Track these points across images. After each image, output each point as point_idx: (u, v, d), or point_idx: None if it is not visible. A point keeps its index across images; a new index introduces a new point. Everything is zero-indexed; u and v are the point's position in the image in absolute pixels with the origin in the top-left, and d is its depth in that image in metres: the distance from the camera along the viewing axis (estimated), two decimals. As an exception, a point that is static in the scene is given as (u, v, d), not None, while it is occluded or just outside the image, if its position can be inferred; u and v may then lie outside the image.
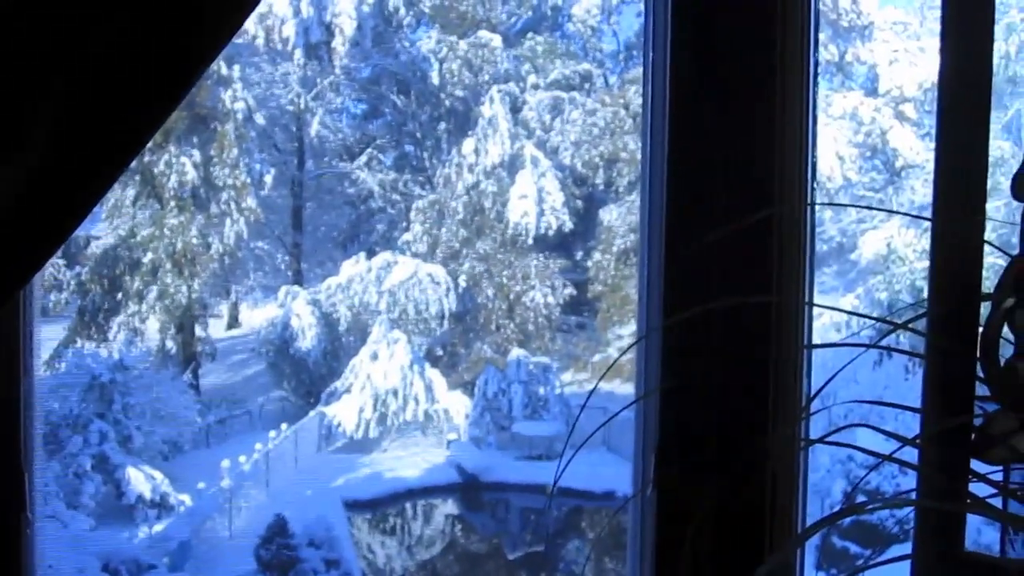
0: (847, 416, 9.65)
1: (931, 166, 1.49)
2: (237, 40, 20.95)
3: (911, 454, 1.44)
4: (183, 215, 19.40)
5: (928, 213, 1.45)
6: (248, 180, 20.66)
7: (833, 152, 20.56)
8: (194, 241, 19.48)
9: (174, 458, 16.61)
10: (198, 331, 20.66)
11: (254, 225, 20.95)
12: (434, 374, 18.95)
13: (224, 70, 19.87)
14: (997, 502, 1.41)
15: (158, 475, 15.07)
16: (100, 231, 19.56)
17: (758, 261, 1.57)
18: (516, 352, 19.33)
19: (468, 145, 21.54)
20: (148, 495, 14.72)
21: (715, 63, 1.60)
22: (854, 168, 21.21)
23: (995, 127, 16.09)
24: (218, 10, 1.02)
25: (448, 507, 17.35)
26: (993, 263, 1.54)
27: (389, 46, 23.35)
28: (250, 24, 21.34)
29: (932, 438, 1.41)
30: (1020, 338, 1.37)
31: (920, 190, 20.29)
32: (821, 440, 1.49)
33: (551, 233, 21.34)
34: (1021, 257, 1.39)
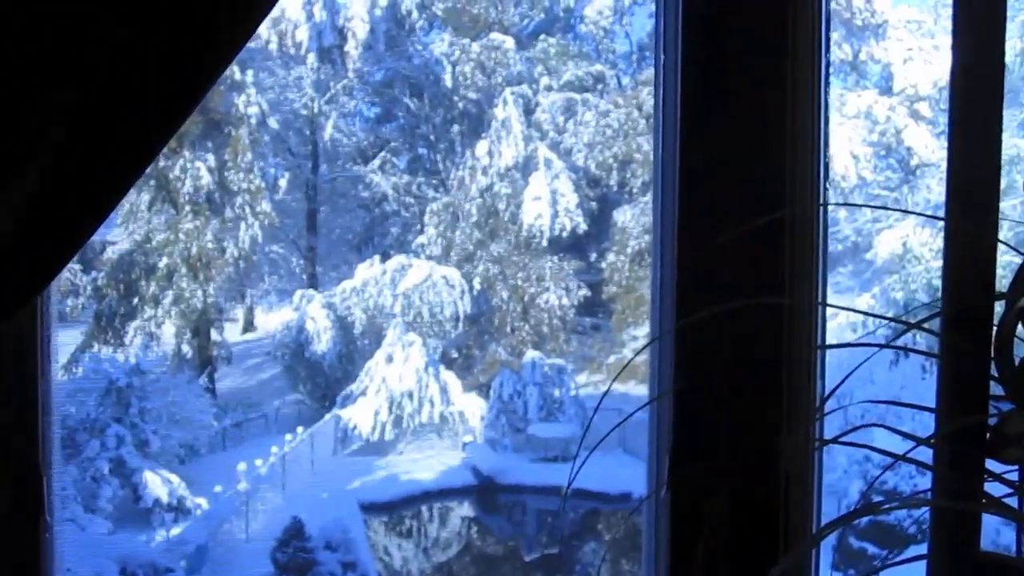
0: (864, 417, 9.61)
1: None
2: (250, 45, 21.01)
3: (927, 454, 1.43)
4: (198, 220, 19.47)
5: (943, 212, 1.45)
6: (262, 184, 20.74)
7: (847, 151, 20.48)
8: (209, 245, 19.54)
9: (191, 462, 16.66)
10: (214, 335, 20.73)
11: (269, 229, 21.01)
12: (449, 376, 18.96)
13: (238, 75, 19.93)
14: (1013, 502, 1.40)
15: (175, 479, 15.12)
16: (116, 236, 19.65)
17: (771, 262, 1.57)
18: (531, 354, 19.33)
19: (481, 147, 21.55)
20: (165, 499, 14.77)
21: (726, 64, 1.60)
22: (869, 167, 21.12)
23: (1011, 125, 16.00)
24: (230, 17, 1.03)
25: (464, 509, 17.35)
26: (1008, 261, 1.54)
27: (402, 49, 23.39)
28: (263, 29, 21.41)
29: (947, 437, 1.41)
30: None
31: (936, 189, 20.20)
32: (835, 440, 1.48)
33: (565, 235, 21.33)
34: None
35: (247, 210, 20.18)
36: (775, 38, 1.58)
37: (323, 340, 19.95)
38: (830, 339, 1.72)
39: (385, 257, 21.06)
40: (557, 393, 18.69)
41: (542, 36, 23.67)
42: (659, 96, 1.70)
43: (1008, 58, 1.46)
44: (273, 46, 21.93)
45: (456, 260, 21.18)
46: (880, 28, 22.06)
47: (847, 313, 14.05)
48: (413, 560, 16.45)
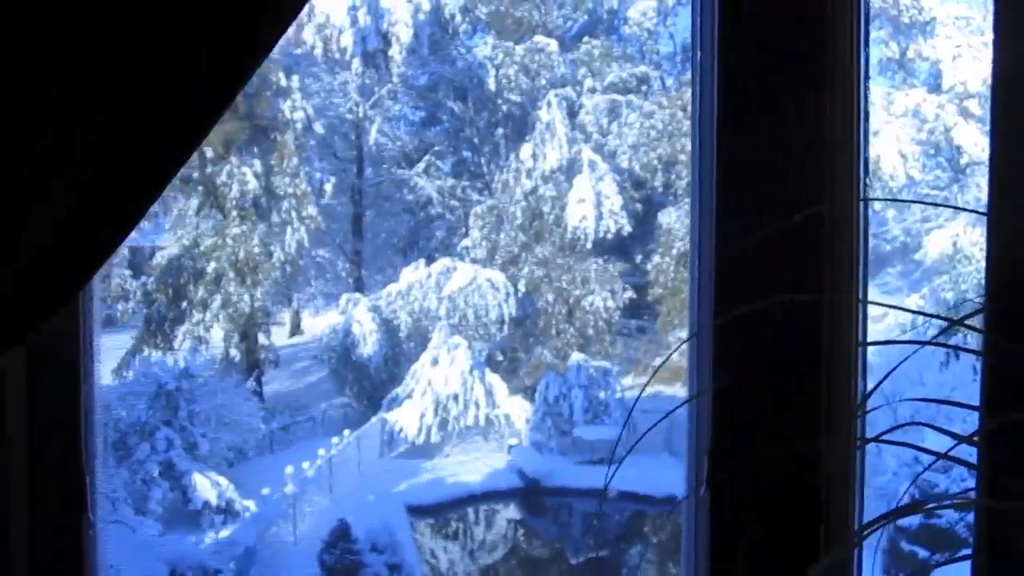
0: (913, 418, 9.49)
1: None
2: (296, 51, 21.22)
3: (973, 454, 1.42)
4: (245, 224, 19.68)
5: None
6: (308, 189, 20.91)
7: (896, 150, 20.26)
8: (256, 250, 19.74)
9: (239, 464, 16.83)
10: (261, 339, 20.94)
11: (315, 233, 21.19)
12: (494, 379, 19.00)
13: (283, 81, 20.13)
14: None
15: (223, 481, 15.27)
16: (164, 241, 19.93)
17: (810, 260, 1.56)
18: (576, 356, 19.32)
19: (526, 150, 21.58)
20: (214, 501, 14.92)
21: (764, 61, 1.59)
22: (917, 166, 20.86)
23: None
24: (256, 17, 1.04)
25: (510, 512, 17.37)
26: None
27: (446, 53, 23.48)
28: (308, 34, 21.61)
29: (990, 435, 1.39)
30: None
31: (986, 188, 19.90)
32: (876, 439, 1.47)
33: (610, 237, 21.30)
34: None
35: (293, 215, 20.37)
36: (813, 34, 1.57)
37: (369, 343, 20.08)
38: (878, 340, 1.70)
39: (430, 260, 21.15)
40: (602, 395, 18.67)
41: (585, 38, 23.67)
42: (696, 95, 1.69)
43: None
44: (318, 51, 22.11)
45: (501, 263, 21.23)
46: (928, 25, 21.78)
47: (897, 314, 13.88)
48: (459, 562, 16.50)
